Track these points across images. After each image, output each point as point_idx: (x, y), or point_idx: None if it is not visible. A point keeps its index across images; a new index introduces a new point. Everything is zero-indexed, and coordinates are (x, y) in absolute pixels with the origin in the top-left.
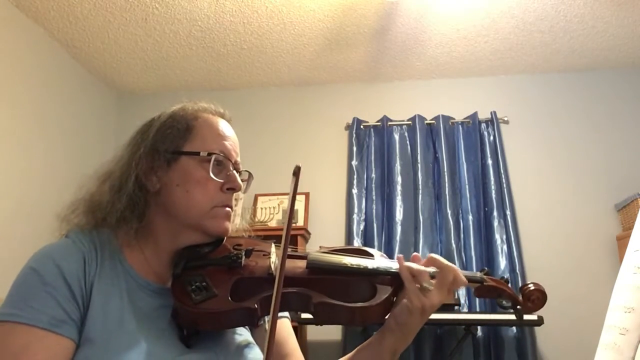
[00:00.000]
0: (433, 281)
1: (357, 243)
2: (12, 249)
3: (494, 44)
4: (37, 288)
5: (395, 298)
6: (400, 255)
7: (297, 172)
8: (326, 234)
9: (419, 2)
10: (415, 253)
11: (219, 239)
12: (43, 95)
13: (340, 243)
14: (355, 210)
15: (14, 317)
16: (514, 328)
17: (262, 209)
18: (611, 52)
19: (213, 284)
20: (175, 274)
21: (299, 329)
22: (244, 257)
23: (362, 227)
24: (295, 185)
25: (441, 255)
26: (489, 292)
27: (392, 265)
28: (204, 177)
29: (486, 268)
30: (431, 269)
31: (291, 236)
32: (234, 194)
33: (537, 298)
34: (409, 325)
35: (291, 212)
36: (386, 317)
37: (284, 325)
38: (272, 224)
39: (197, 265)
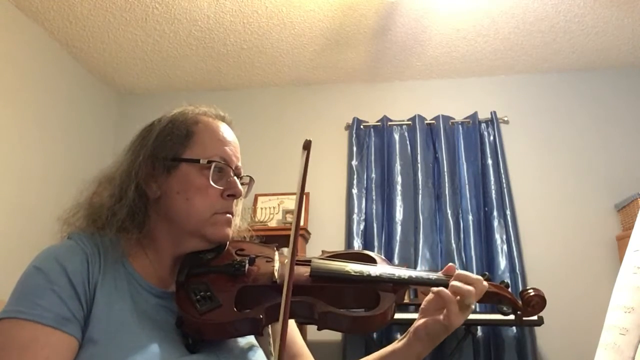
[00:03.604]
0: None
1: (357, 243)
2: (11, 249)
3: (494, 44)
4: (42, 286)
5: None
6: (452, 264)
7: (307, 146)
8: (326, 234)
9: (419, 2)
10: (450, 264)
11: (221, 245)
12: (43, 95)
13: (340, 243)
14: (355, 210)
15: (19, 314)
16: (514, 328)
17: (262, 209)
18: (611, 52)
19: (217, 292)
20: (179, 282)
21: (298, 329)
22: (247, 265)
23: (362, 227)
24: (306, 160)
25: (441, 255)
26: (490, 298)
27: (395, 271)
28: (204, 185)
29: (487, 273)
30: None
31: None
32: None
33: (537, 303)
34: (439, 336)
35: (302, 192)
36: (388, 322)
37: (291, 326)
38: (272, 224)
39: (201, 272)
